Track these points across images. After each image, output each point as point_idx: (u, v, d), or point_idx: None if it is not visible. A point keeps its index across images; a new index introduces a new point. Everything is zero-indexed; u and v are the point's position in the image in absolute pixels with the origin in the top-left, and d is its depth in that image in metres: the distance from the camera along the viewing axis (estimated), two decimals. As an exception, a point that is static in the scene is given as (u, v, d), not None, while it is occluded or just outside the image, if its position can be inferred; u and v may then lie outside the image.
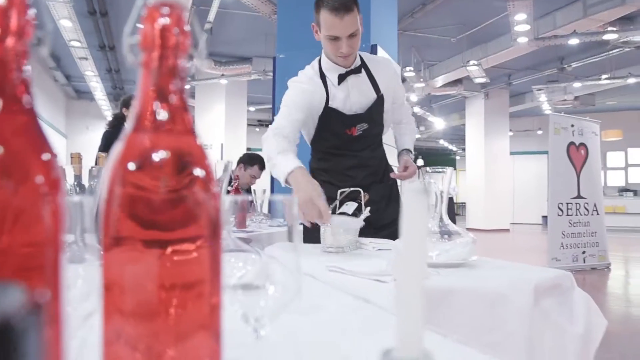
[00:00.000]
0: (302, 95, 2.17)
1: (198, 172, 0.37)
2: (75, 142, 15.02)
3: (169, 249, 0.37)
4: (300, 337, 0.74)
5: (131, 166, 0.35)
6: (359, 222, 1.76)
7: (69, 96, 15.62)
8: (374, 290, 1.06)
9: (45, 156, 0.35)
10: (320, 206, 1.67)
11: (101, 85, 12.58)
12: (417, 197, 0.41)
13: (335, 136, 2.26)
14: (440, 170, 1.41)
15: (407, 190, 0.41)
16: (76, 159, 1.33)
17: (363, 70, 2.21)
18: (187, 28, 0.37)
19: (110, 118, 5.24)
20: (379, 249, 1.73)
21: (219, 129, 12.11)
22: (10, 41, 0.34)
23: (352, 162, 2.27)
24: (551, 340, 1.18)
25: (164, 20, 0.36)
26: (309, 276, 1.24)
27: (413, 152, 2.34)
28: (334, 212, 1.84)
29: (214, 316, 0.41)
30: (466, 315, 1.08)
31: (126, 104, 4.42)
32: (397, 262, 1.20)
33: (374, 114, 2.22)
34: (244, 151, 9.51)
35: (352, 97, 2.18)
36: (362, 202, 1.86)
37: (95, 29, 9.44)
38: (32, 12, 0.35)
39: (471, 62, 10.62)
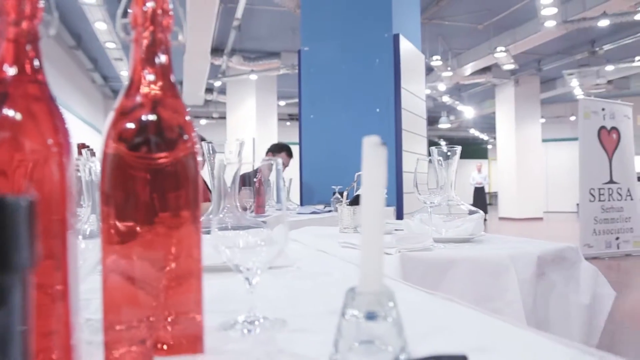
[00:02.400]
0: None
1: (181, 134, 0.44)
2: (110, 140, 15.40)
3: (155, 212, 0.44)
4: (300, 295, 0.80)
5: (120, 129, 0.42)
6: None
7: (107, 96, 16.05)
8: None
9: (56, 123, 0.43)
10: None
11: (134, 85, 12.88)
12: (376, 149, 0.47)
13: None
14: (449, 149, 1.45)
15: (366, 143, 0.46)
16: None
17: None
18: (169, 9, 0.44)
19: None
20: (395, 229, 1.78)
21: (250, 124, 12.28)
22: (24, 24, 0.41)
23: None
24: (556, 310, 1.21)
25: (150, 4, 0.43)
26: (321, 252, 1.30)
27: None
28: (350, 194, 1.90)
29: (196, 266, 0.48)
30: (468, 284, 1.13)
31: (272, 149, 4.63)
32: (402, 236, 1.26)
33: None
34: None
35: None
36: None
37: (127, 30, 9.67)
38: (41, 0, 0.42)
39: (499, 49, 10.46)
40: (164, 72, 0.44)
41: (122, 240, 0.42)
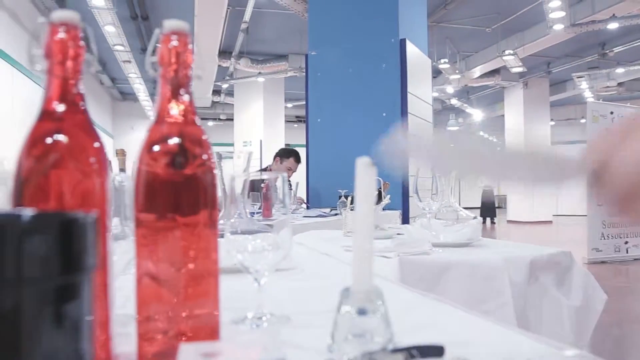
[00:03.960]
0: None
1: (201, 153, 0.51)
2: (120, 141, 15.61)
3: (180, 219, 0.51)
4: (303, 295, 0.88)
5: (152, 149, 0.50)
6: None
7: (115, 98, 16.23)
8: (378, 264, 1.19)
9: (96, 145, 0.50)
10: None
11: (144, 87, 13.05)
12: (367, 168, 0.54)
13: None
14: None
15: (359, 163, 0.54)
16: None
17: None
18: (191, 48, 0.51)
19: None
20: (397, 233, 1.85)
21: (258, 125, 12.38)
22: (69, 63, 0.49)
23: None
24: (548, 312, 1.28)
25: (174, 44, 0.51)
26: (324, 255, 1.37)
27: None
28: (351, 202, 1.97)
29: (214, 267, 0.55)
30: (463, 287, 1.20)
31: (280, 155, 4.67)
32: (401, 240, 1.33)
33: None
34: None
35: None
36: (382, 190, 1.99)
37: (137, 32, 9.82)
38: (83, 41, 0.50)
39: (507, 52, 10.49)
40: (186, 103, 0.52)
41: (152, 244, 0.50)
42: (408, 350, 0.50)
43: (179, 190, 0.50)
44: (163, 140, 0.50)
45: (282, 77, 12.29)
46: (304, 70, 5.02)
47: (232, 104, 13.59)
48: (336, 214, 3.58)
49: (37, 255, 0.28)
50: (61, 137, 0.46)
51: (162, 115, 0.51)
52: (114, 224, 0.83)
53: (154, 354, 0.51)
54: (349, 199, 1.97)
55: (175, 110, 0.51)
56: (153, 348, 0.51)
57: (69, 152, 0.46)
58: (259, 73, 11.79)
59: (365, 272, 0.54)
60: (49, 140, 0.45)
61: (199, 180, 0.51)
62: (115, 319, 0.67)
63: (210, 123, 17.32)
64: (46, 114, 0.47)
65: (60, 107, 0.48)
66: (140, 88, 13.06)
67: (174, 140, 0.51)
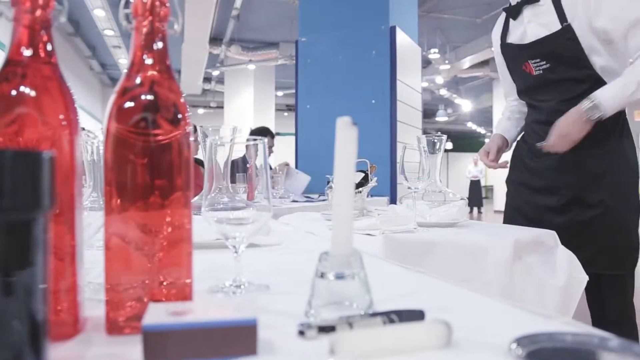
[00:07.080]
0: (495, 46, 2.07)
1: (176, 111, 0.50)
2: (108, 128, 15.41)
3: (153, 182, 0.49)
4: (285, 267, 0.87)
5: (122, 105, 0.48)
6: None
7: (104, 84, 16.03)
8: (363, 242, 1.18)
9: (65, 97, 0.48)
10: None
11: (133, 73, 12.89)
12: (348, 128, 0.52)
13: (516, 77, 1.95)
14: (435, 138, 1.51)
15: (339, 122, 0.52)
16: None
17: None
18: (167, 1, 0.49)
19: None
20: (378, 214, 1.84)
21: (248, 113, 12.30)
22: (38, 12, 0.47)
23: (535, 116, 1.92)
24: (532, 291, 1.28)
25: (149, -4, 0.49)
26: (309, 233, 1.36)
27: (600, 105, 1.61)
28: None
29: (187, 235, 0.54)
30: (448, 265, 1.19)
31: None
32: (386, 218, 1.31)
33: (557, 49, 1.74)
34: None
35: (528, 31, 1.83)
36: (369, 173, 1.97)
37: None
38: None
39: (498, 43, 10.49)
40: (161, 57, 0.50)
41: (122, 210, 0.48)
42: (387, 314, 0.49)
43: (150, 152, 0.48)
44: (134, 96, 0.48)
45: (272, 65, 12.21)
46: (295, 57, 4.98)
47: (222, 92, 13.49)
48: (324, 200, 3.57)
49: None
50: (26, 89, 0.44)
51: (133, 71, 0.49)
52: (92, 199, 0.82)
53: (122, 319, 0.50)
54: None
55: (149, 64, 0.49)
56: (122, 313, 0.49)
57: (33, 105, 0.44)
58: (250, 60, 11.70)
59: (345, 236, 0.53)
60: (11, 89, 0.43)
61: (173, 141, 0.49)
62: (89, 287, 0.66)
63: (201, 111, 17.19)
64: (11, 63, 0.45)
65: (27, 58, 0.46)
66: (129, 74, 12.88)
67: (146, 97, 0.49)
